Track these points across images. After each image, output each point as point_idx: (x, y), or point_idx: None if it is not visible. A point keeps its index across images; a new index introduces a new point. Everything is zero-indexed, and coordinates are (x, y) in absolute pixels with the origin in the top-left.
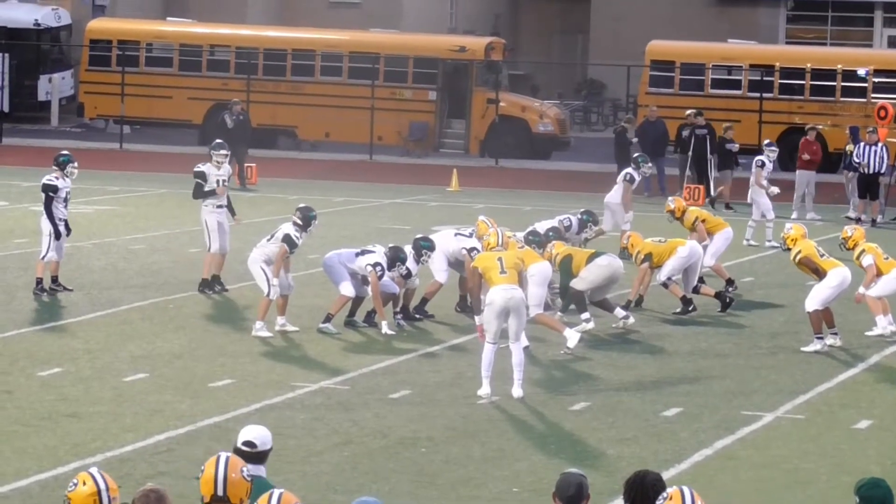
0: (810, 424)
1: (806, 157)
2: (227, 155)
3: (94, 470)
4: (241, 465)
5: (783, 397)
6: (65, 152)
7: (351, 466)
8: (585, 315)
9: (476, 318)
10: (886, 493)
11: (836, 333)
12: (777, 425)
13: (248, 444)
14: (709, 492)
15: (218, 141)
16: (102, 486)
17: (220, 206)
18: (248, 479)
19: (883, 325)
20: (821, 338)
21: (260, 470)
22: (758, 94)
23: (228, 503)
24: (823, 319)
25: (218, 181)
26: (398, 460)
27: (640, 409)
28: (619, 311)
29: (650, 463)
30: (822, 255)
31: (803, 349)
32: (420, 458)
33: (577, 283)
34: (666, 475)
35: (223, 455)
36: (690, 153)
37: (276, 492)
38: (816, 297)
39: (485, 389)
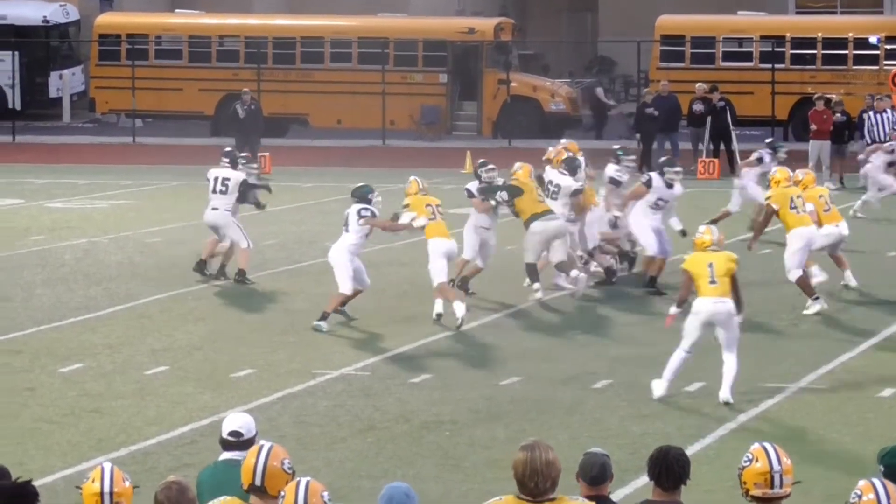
0: (833, 395)
1: (813, 127)
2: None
3: (108, 468)
4: (284, 456)
5: (805, 368)
6: (228, 148)
7: (375, 452)
8: (537, 285)
9: (672, 308)
10: None
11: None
12: (800, 397)
13: (234, 433)
14: (734, 465)
15: (228, 148)
16: (107, 489)
17: (227, 210)
18: (289, 471)
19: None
20: (817, 298)
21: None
22: (769, 66)
23: (266, 494)
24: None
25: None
26: (422, 444)
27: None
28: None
29: (674, 438)
30: (793, 208)
31: (805, 313)
32: (444, 441)
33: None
34: (690, 450)
35: (266, 445)
36: (708, 126)
37: (303, 480)
38: (791, 264)
39: (659, 391)
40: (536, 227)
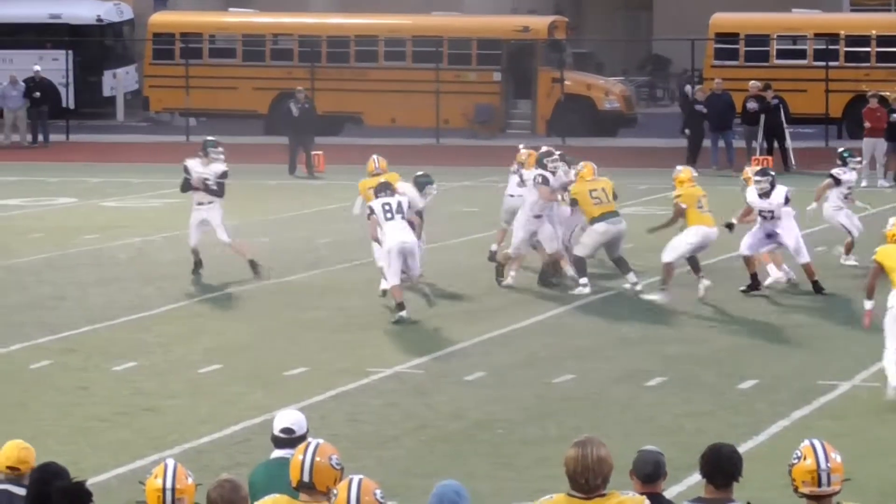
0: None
1: (867, 124)
2: (222, 152)
3: (171, 465)
4: (332, 452)
5: (859, 366)
6: (209, 138)
7: (428, 450)
8: (584, 280)
9: (865, 302)
10: None
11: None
12: (854, 394)
13: (285, 430)
14: (787, 462)
15: (210, 138)
16: (169, 485)
17: (199, 203)
18: (338, 467)
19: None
20: (664, 290)
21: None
22: (823, 63)
23: (315, 490)
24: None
25: (201, 179)
26: (475, 442)
27: (715, 382)
28: (632, 276)
29: (728, 436)
30: (699, 207)
31: (644, 295)
32: (497, 439)
33: (577, 249)
34: (743, 447)
35: (314, 442)
36: (762, 124)
37: (356, 478)
38: (674, 249)
39: (892, 394)
40: (600, 227)
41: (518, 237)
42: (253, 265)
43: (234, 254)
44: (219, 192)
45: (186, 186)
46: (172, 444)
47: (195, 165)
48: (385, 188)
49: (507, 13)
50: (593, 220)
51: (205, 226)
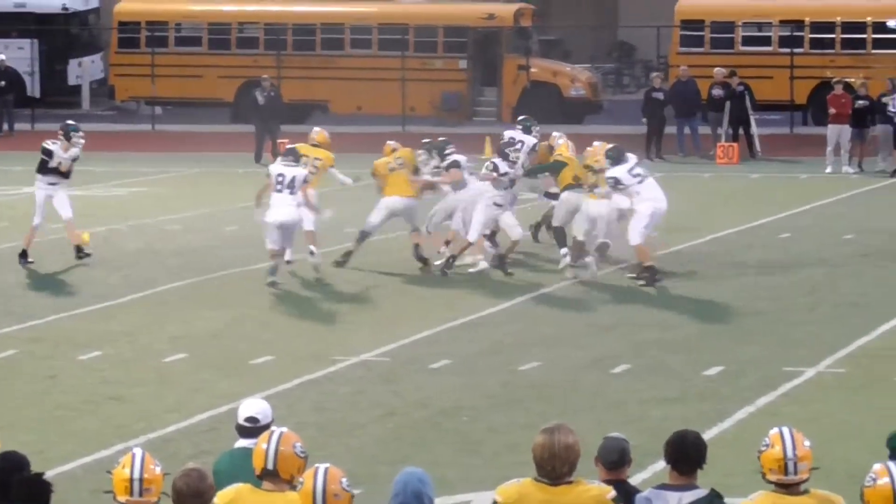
0: (852, 378)
1: (832, 111)
2: (83, 137)
3: (139, 454)
4: (296, 440)
5: (824, 352)
6: (70, 122)
7: (394, 438)
8: (564, 250)
9: None
10: None
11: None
12: (819, 380)
13: (250, 419)
14: (752, 448)
15: (70, 122)
16: (137, 475)
17: (52, 184)
18: (302, 455)
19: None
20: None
21: None
22: (788, 50)
23: (279, 478)
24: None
25: (62, 161)
26: (441, 430)
27: (681, 368)
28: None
29: (694, 422)
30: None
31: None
32: (463, 427)
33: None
34: (709, 433)
35: (277, 430)
36: (727, 111)
37: (322, 466)
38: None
39: None
40: (564, 195)
41: (476, 225)
42: (78, 250)
43: (67, 233)
44: (68, 174)
45: (44, 169)
46: (139, 432)
47: (57, 150)
48: (290, 153)
49: (473, 1)
50: (564, 189)
51: (50, 205)
